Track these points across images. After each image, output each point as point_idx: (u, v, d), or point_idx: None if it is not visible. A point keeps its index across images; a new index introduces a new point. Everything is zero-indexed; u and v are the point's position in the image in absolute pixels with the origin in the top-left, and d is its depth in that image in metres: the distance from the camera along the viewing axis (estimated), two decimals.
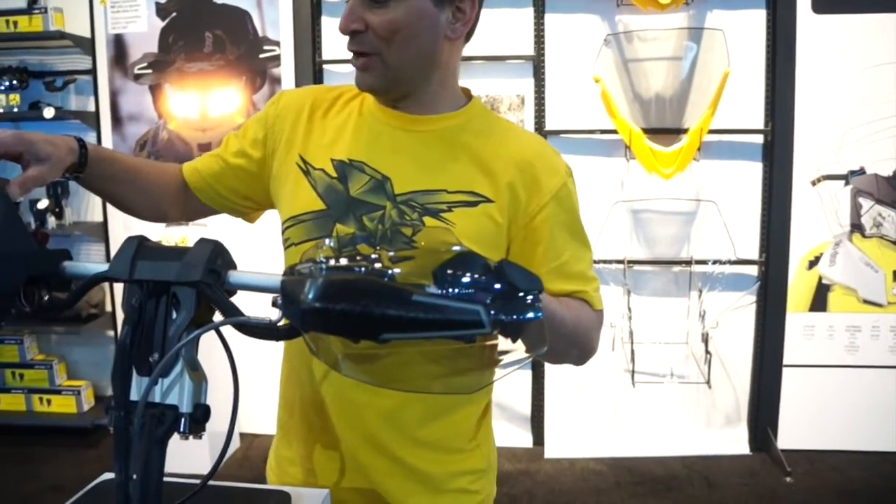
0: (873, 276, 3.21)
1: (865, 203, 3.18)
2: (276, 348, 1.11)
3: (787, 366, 3.28)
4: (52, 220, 3.41)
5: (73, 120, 3.47)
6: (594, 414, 3.41)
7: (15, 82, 3.36)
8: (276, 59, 3.41)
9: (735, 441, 3.37)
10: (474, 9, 1.07)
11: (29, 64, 3.52)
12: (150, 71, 3.48)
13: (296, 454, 1.20)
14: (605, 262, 3.26)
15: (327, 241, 0.90)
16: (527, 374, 3.44)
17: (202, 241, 0.89)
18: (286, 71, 3.41)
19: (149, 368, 0.81)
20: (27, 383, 3.59)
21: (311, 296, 0.72)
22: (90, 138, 3.47)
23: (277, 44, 3.41)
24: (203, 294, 0.84)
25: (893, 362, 3.24)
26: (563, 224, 1.10)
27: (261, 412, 3.54)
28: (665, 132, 3.22)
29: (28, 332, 3.60)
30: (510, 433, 3.44)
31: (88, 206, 3.65)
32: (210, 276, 0.83)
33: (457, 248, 0.77)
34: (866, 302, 3.23)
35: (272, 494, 1.03)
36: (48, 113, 3.30)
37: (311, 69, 3.35)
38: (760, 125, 3.22)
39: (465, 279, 0.74)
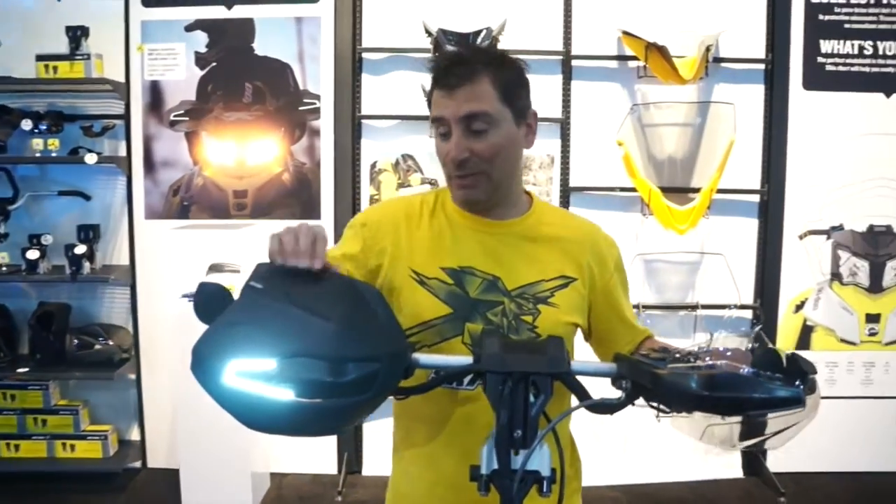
0: (849, 319, 3.68)
1: (843, 255, 3.65)
2: None
3: None
4: (86, 265, 3.37)
5: (107, 164, 3.47)
6: (607, 444, 3.70)
7: (52, 126, 3.31)
8: (316, 111, 3.54)
9: (730, 466, 3.75)
10: (536, 122, 1.36)
11: (59, 108, 3.48)
12: (186, 118, 3.53)
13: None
14: None
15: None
16: None
17: (553, 339, 1.12)
18: (325, 124, 3.54)
19: (513, 442, 1.00)
20: (50, 429, 3.51)
21: (695, 386, 0.98)
22: (121, 183, 3.55)
23: (318, 97, 3.53)
24: (565, 382, 1.07)
25: (865, 393, 3.72)
26: (622, 285, 1.44)
27: (288, 452, 3.66)
28: (675, 190, 3.57)
29: (52, 378, 3.53)
30: None
31: (115, 250, 3.64)
32: (570, 368, 1.07)
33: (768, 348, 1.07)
34: (843, 341, 3.70)
35: None
36: (90, 159, 3.27)
37: (351, 123, 3.50)
38: (757, 186, 3.63)
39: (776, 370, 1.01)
